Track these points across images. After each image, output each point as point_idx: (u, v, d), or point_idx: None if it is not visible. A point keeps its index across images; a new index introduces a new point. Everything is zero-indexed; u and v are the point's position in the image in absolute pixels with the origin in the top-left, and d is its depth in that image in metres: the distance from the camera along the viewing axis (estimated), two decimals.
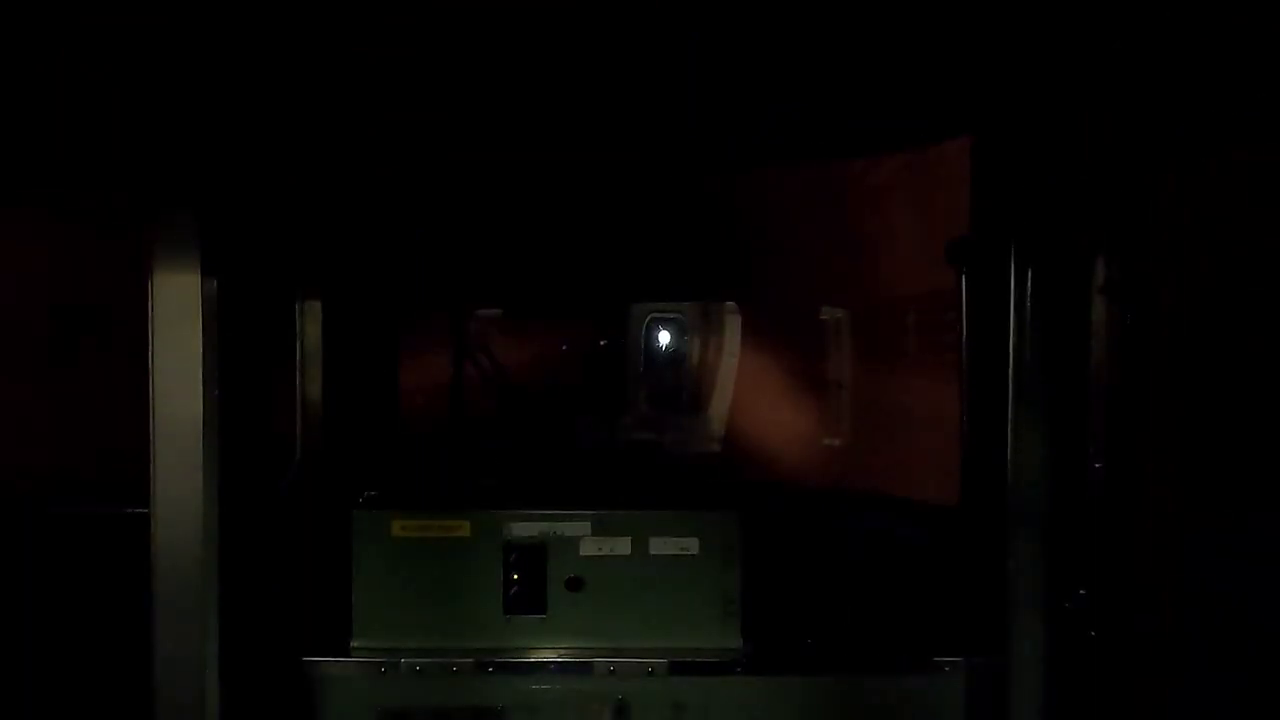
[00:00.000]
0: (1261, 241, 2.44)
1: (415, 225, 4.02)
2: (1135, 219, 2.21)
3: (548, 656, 2.93)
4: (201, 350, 2.35)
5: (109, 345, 3.75)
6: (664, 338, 4.18)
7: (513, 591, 2.95)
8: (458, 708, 2.89)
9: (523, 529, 2.95)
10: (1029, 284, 2.52)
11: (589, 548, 2.95)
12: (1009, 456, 2.56)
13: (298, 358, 3.43)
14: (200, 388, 2.35)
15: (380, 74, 2.36)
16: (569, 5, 1.96)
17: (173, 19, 1.96)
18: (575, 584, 2.95)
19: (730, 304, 4.16)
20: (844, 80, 2.46)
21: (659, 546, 2.95)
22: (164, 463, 2.37)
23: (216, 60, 2.19)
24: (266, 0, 1.91)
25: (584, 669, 2.91)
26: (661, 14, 2.00)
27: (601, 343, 4.21)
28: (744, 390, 4.15)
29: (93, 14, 1.93)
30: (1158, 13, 1.97)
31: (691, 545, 2.95)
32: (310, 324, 3.43)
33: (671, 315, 4.19)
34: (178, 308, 2.35)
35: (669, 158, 3.43)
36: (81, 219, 3.69)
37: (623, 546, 2.95)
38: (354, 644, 2.93)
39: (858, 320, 3.96)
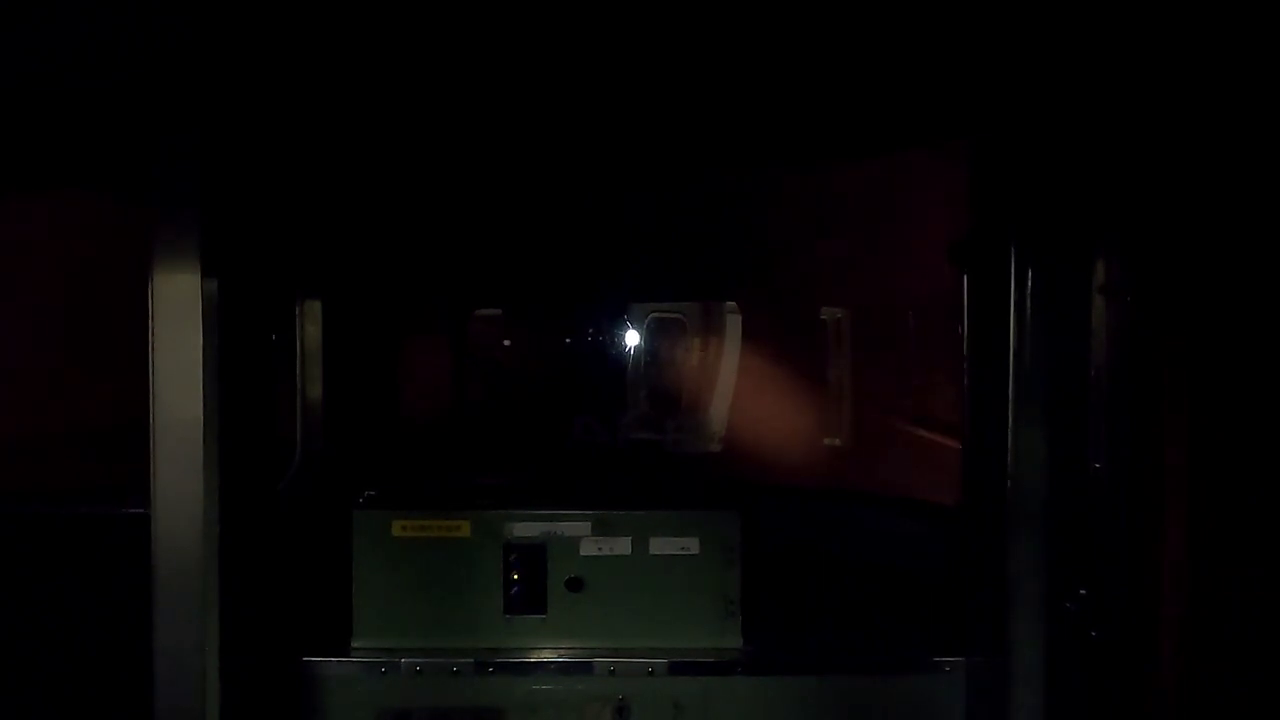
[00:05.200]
0: (1262, 241, 2.43)
1: (415, 225, 4.02)
2: (1135, 219, 2.21)
3: (548, 656, 2.93)
4: (201, 350, 2.35)
5: None
6: (664, 337, 4.18)
7: (513, 591, 2.95)
8: (458, 708, 2.89)
9: (523, 529, 2.95)
10: (1029, 284, 2.51)
11: (589, 548, 2.95)
12: (1009, 456, 2.55)
13: (298, 358, 3.43)
14: (200, 388, 2.35)
15: (380, 74, 2.36)
16: (569, 5, 1.96)
17: (173, 19, 1.96)
18: (575, 584, 2.95)
19: (730, 304, 4.16)
20: (844, 81, 2.45)
21: (659, 546, 2.95)
22: (164, 463, 2.37)
23: (216, 60, 2.19)
24: (267, 1, 1.91)
25: (584, 669, 2.91)
26: (661, 13, 2.00)
27: (602, 342, 4.22)
28: (744, 390, 4.15)
29: (92, 12, 1.93)
30: (1157, 13, 1.97)
31: (691, 545, 2.94)
32: (310, 324, 3.43)
33: (671, 315, 4.20)
34: (178, 308, 2.35)
35: (669, 158, 3.43)
36: None
37: (623, 546, 2.95)
38: (354, 644, 2.93)
39: (858, 320, 3.96)
